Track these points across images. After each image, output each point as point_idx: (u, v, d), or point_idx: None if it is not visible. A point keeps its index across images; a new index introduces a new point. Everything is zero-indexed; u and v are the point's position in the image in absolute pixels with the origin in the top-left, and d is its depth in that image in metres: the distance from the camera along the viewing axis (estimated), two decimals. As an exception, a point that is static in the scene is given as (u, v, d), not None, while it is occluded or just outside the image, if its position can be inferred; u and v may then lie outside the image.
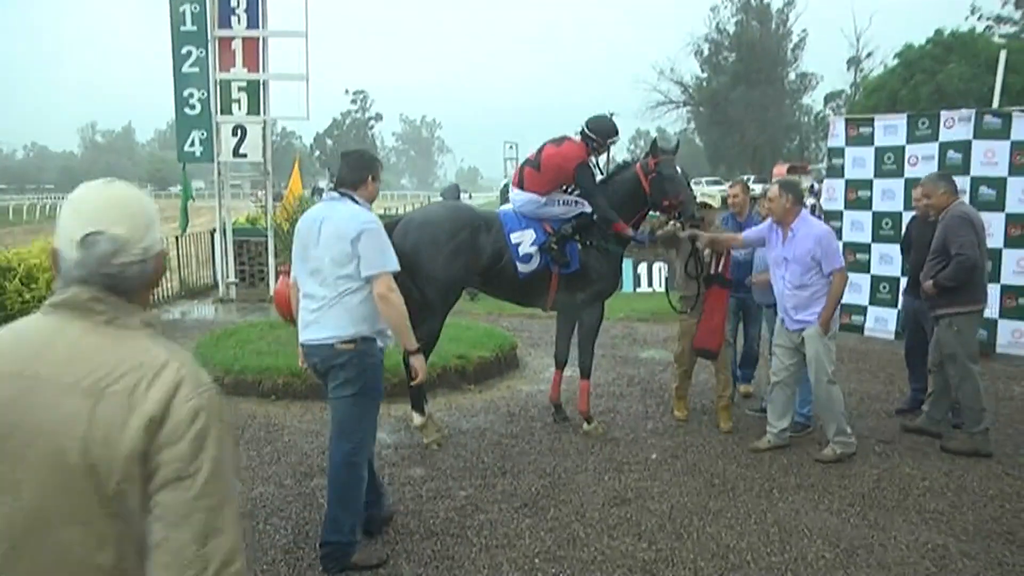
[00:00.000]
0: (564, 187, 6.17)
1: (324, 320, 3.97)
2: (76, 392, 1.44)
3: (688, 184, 6.24)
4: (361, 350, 3.96)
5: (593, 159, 6.18)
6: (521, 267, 5.93)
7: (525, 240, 5.95)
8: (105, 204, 1.60)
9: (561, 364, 6.57)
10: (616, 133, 6.25)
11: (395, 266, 3.99)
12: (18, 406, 1.45)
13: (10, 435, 1.45)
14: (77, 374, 1.46)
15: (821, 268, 5.53)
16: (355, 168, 4.14)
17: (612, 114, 7.64)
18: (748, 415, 6.67)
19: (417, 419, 5.89)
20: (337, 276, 3.92)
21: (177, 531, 1.45)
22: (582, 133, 6.16)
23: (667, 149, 6.23)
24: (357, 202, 4.05)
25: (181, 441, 1.45)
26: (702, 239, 6.08)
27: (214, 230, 13.66)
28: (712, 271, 6.26)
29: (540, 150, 6.15)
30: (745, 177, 39.24)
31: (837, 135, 9.48)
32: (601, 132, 6.15)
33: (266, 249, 12.57)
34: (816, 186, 22.55)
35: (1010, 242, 8.17)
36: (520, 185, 6.11)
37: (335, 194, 4.14)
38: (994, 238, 8.20)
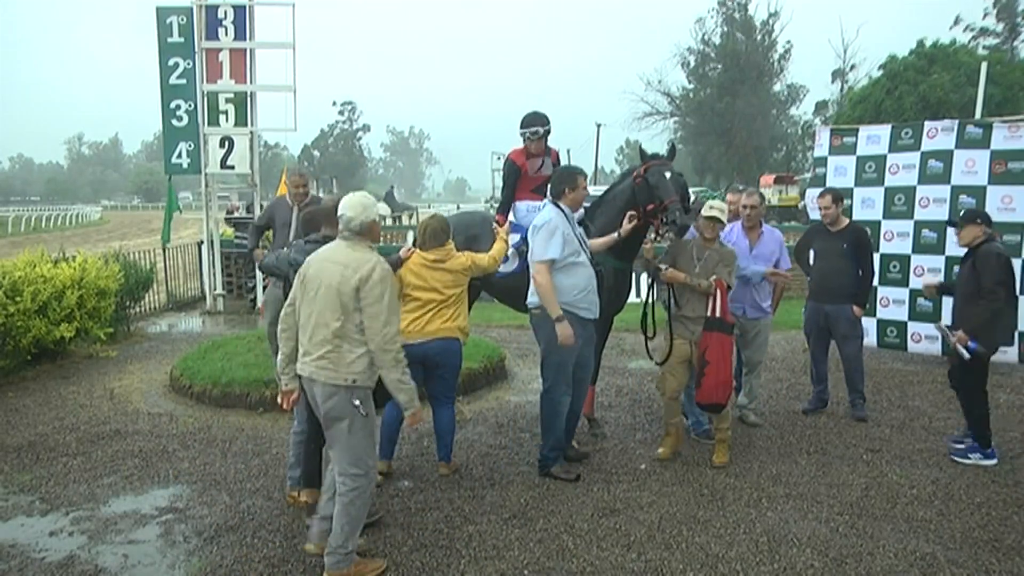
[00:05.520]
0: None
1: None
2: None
3: (681, 190, 5.80)
4: (542, 316, 5.23)
5: (536, 157, 6.32)
6: (500, 267, 5.99)
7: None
8: None
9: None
10: (529, 124, 6.21)
11: (545, 256, 5.14)
12: None
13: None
14: None
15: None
16: (556, 183, 5.41)
17: (601, 125, 7.65)
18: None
19: None
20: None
21: (372, 320, 3.92)
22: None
23: (659, 154, 5.98)
24: (559, 206, 5.31)
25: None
26: (665, 272, 5.71)
27: (201, 242, 13.62)
28: (708, 314, 5.68)
29: None
30: (733, 187, 39.53)
31: (822, 145, 9.54)
32: (520, 126, 6.28)
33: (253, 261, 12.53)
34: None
35: None
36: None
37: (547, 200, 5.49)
38: None
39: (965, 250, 5.85)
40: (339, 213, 4.11)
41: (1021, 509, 5.03)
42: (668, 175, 5.73)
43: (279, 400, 4.35)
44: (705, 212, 5.75)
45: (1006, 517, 4.90)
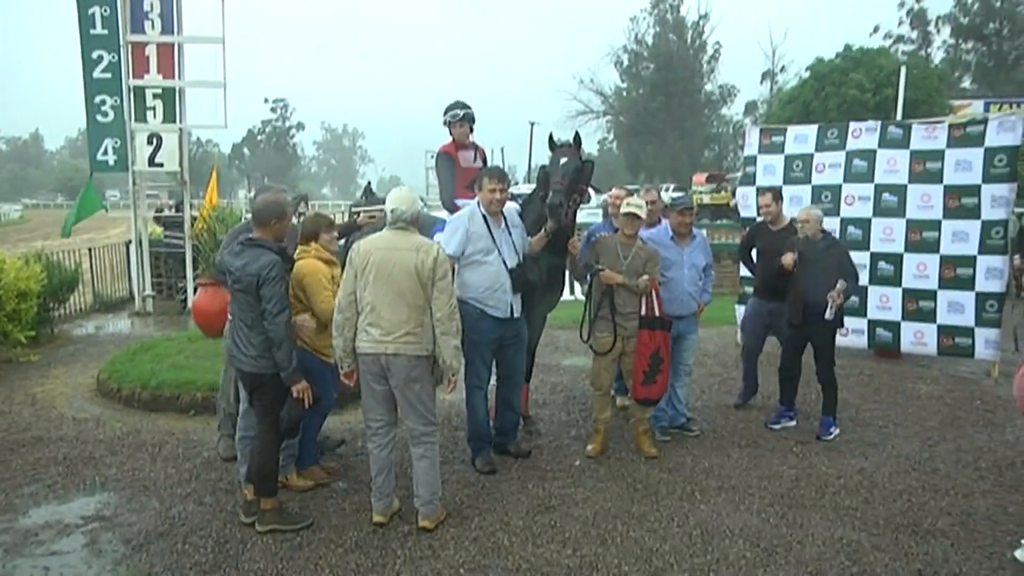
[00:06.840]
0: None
1: None
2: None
3: (572, 174, 5.55)
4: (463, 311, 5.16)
5: (467, 149, 6.48)
6: None
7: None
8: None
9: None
10: (452, 108, 6.40)
11: (447, 250, 5.09)
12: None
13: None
14: None
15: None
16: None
17: (535, 124, 7.69)
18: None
19: None
20: None
21: (441, 292, 4.43)
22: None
23: (563, 142, 5.76)
24: (479, 205, 5.46)
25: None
26: (603, 273, 5.66)
27: (129, 241, 13.23)
28: (645, 312, 5.69)
29: None
30: (665, 186, 40.09)
31: (751, 144, 9.75)
32: (444, 112, 6.45)
33: (183, 261, 12.25)
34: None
35: (910, 247, 8.50)
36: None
37: None
38: (895, 243, 8.56)
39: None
40: (391, 207, 4.56)
41: (937, 494, 5.24)
42: (562, 160, 5.59)
43: (343, 379, 4.72)
44: (623, 209, 5.72)
45: (924, 503, 5.10)
